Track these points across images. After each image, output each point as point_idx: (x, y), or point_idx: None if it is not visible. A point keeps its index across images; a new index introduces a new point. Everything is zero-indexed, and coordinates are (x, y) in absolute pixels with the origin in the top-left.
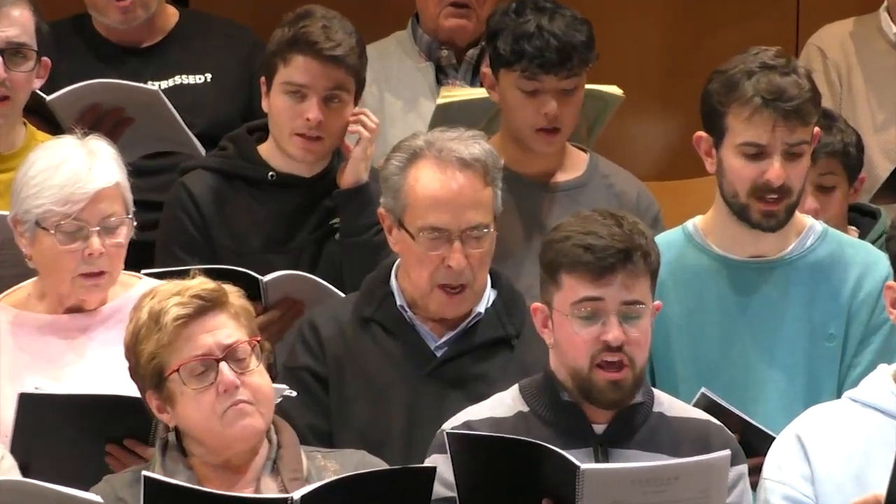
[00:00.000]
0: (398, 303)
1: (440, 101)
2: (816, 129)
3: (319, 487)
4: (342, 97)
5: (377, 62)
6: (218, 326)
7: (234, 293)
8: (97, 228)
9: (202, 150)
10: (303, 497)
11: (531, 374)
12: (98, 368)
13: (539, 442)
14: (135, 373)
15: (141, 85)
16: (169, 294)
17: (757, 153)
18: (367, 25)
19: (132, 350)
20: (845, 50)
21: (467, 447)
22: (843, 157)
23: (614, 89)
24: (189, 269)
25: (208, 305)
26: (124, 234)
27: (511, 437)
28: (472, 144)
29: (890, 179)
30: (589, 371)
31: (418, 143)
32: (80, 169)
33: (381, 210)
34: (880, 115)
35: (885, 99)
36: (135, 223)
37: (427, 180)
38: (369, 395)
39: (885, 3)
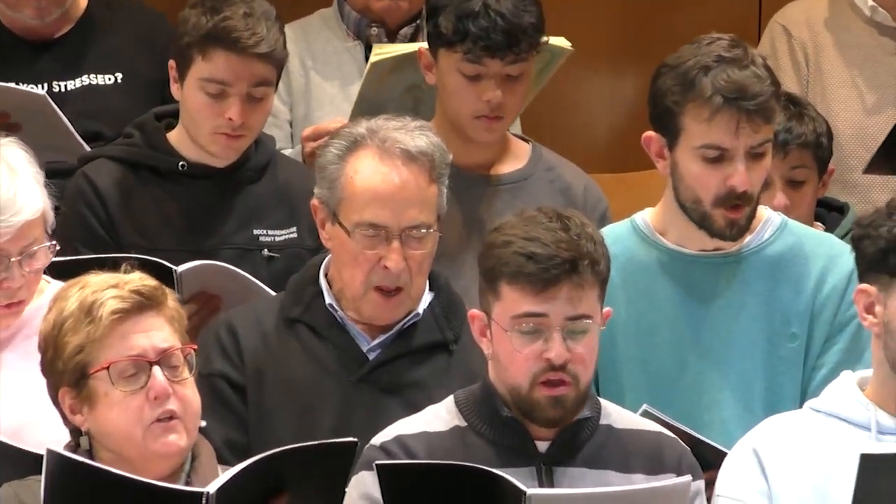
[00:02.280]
0: (328, 301)
1: (373, 58)
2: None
3: (233, 476)
4: (265, 91)
5: (301, 41)
6: (154, 328)
7: (171, 295)
8: (18, 258)
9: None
10: (218, 490)
11: (471, 382)
12: (15, 381)
13: (481, 467)
14: (50, 366)
15: (26, 89)
16: (105, 285)
17: (718, 156)
18: (286, 2)
19: (52, 341)
20: (813, 28)
21: (399, 476)
22: (815, 149)
23: (561, 41)
24: (98, 259)
25: (147, 304)
26: (44, 258)
27: (449, 463)
28: (419, 136)
29: (884, 148)
30: (529, 389)
31: (360, 130)
32: (3, 196)
33: (314, 201)
34: (857, 100)
35: (862, 82)
36: (56, 246)
37: (367, 172)
38: (294, 403)
39: None
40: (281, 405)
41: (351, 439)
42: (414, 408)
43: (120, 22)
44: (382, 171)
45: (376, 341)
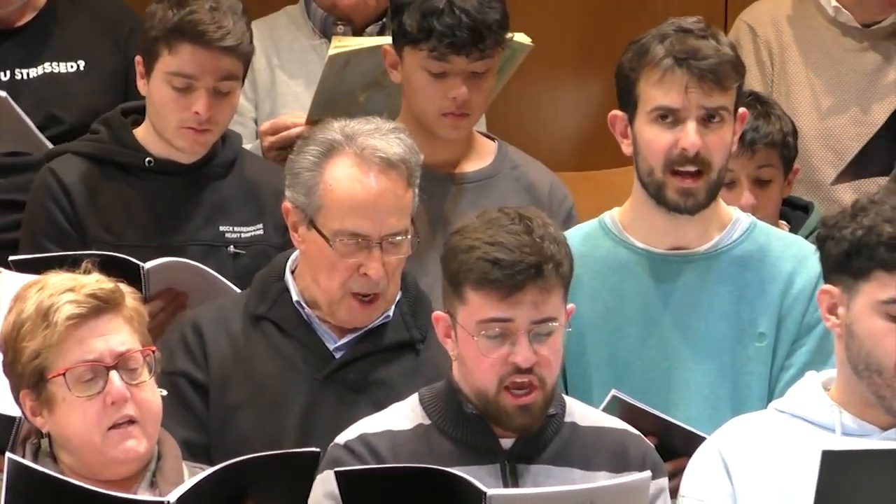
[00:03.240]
0: (294, 298)
1: (331, 51)
2: (743, 110)
3: (195, 485)
4: (231, 86)
5: (267, 39)
6: (111, 331)
7: (129, 294)
8: None
9: (47, 145)
10: (179, 498)
11: (438, 381)
12: None
13: (440, 468)
14: (11, 369)
15: None
16: (61, 289)
17: (670, 119)
18: None
19: (11, 344)
20: (778, 27)
21: (359, 482)
22: (781, 148)
23: (522, 37)
24: (62, 256)
25: (104, 307)
26: None
27: (408, 466)
28: (394, 141)
29: (856, 160)
30: (497, 394)
31: (335, 135)
32: None
33: (286, 204)
34: (821, 100)
35: (825, 82)
36: None
37: (347, 181)
38: (259, 401)
39: None
40: (247, 403)
41: (313, 450)
42: (380, 407)
43: (83, 11)
44: (362, 180)
45: (343, 340)
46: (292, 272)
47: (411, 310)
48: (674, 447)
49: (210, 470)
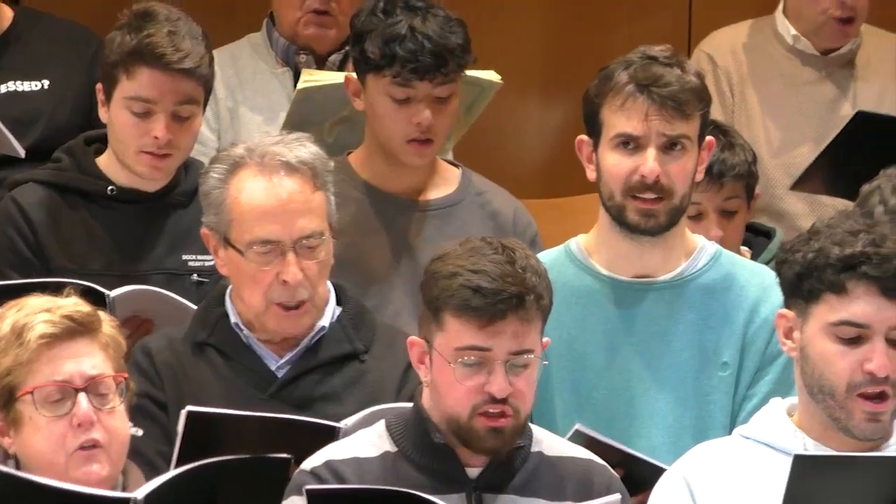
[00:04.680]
0: (233, 321)
1: (301, 85)
2: (710, 138)
3: (163, 483)
4: (191, 110)
5: (229, 67)
6: (84, 354)
7: (107, 321)
8: None
9: (20, 151)
10: (146, 496)
11: (382, 392)
12: None
13: (411, 492)
14: None
15: None
16: (38, 309)
17: (631, 146)
18: (218, 25)
19: None
20: (737, 57)
21: (330, 501)
22: (747, 179)
23: (491, 74)
24: (29, 283)
25: (78, 329)
26: None
27: (380, 487)
28: (297, 147)
29: (811, 168)
30: (469, 419)
31: (238, 151)
32: None
33: (203, 230)
34: (781, 129)
35: (785, 111)
36: None
37: (251, 190)
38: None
39: (781, 4)
40: None
41: (284, 455)
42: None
43: (48, 31)
44: (266, 185)
45: (284, 359)
46: (230, 297)
47: (352, 322)
48: (638, 480)
49: (179, 469)
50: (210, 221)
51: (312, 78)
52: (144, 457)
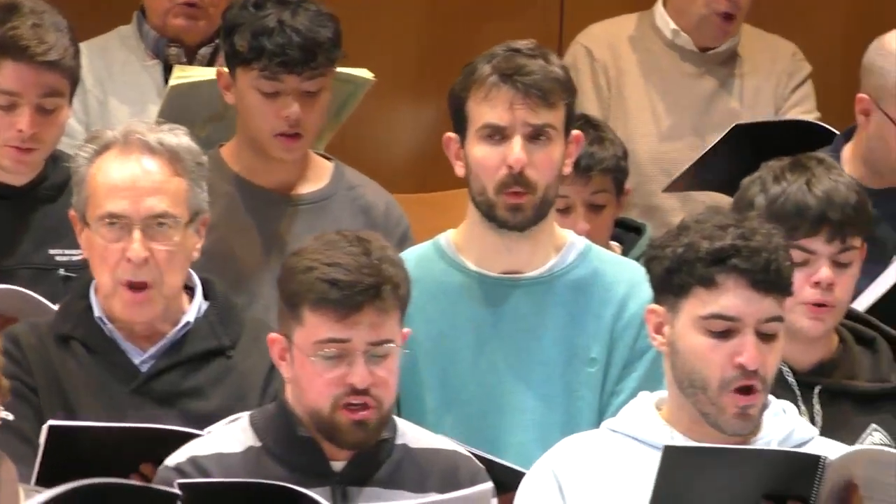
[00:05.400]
0: (97, 314)
1: (173, 81)
2: (578, 132)
3: (48, 501)
4: (57, 102)
5: (99, 60)
6: None
7: None
8: None
9: None
10: None
11: (250, 388)
12: None
13: (288, 485)
14: None
15: None
16: None
17: (497, 137)
18: (86, 18)
19: None
20: (615, 51)
21: (204, 495)
22: (615, 173)
23: (364, 72)
24: None
25: None
26: None
27: (257, 481)
28: (166, 133)
29: (690, 171)
30: (331, 413)
31: (110, 134)
32: None
33: (71, 213)
34: (658, 124)
35: (662, 106)
36: None
37: (108, 167)
38: (72, 419)
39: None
40: (61, 420)
41: (175, 491)
42: (192, 416)
43: None
44: (121, 163)
45: (148, 353)
46: (95, 290)
47: (219, 318)
48: (503, 486)
49: (61, 488)
50: (74, 202)
51: (184, 74)
52: (22, 435)
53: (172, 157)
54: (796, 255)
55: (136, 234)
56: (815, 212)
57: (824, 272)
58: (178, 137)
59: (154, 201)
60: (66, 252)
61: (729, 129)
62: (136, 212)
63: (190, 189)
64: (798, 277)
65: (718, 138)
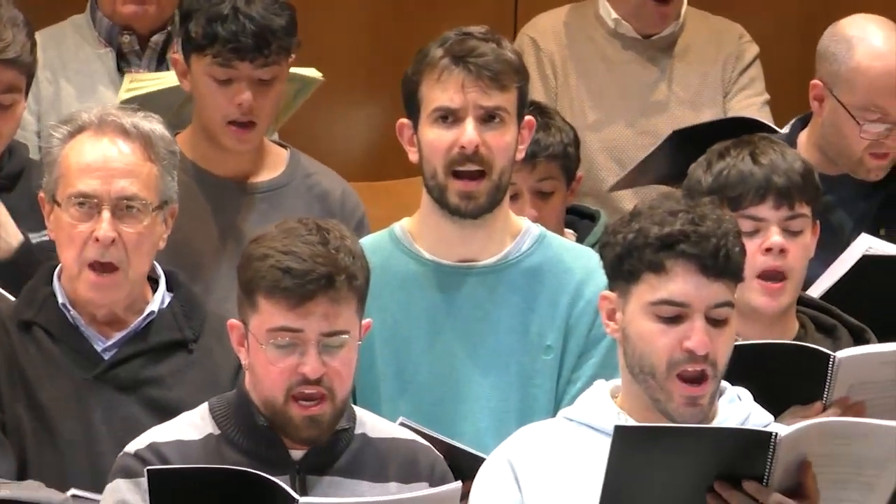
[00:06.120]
0: (60, 301)
1: (124, 94)
2: (530, 118)
3: None
4: (13, 98)
5: (52, 49)
6: None
7: None
8: None
9: None
10: None
11: (211, 381)
12: None
13: (256, 472)
14: None
15: None
16: None
17: (450, 119)
18: (40, 7)
19: None
20: (560, 40)
21: (169, 482)
22: (563, 160)
23: (313, 72)
24: None
25: None
26: None
27: (223, 467)
28: (141, 119)
29: (636, 169)
30: (284, 403)
31: (85, 116)
32: None
33: (40, 194)
34: (603, 112)
35: (607, 93)
36: None
37: (81, 148)
38: (33, 405)
39: None
40: (22, 407)
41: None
42: (153, 405)
43: None
44: (95, 143)
45: (111, 341)
46: (59, 277)
47: (183, 310)
48: (461, 470)
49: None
50: (44, 183)
51: (134, 86)
52: None
53: (146, 142)
54: (746, 224)
55: (106, 214)
56: (760, 178)
57: (775, 238)
58: (152, 124)
59: (125, 183)
60: None
61: (666, 136)
62: (106, 192)
63: (161, 176)
64: (750, 248)
65: (657, 144)
